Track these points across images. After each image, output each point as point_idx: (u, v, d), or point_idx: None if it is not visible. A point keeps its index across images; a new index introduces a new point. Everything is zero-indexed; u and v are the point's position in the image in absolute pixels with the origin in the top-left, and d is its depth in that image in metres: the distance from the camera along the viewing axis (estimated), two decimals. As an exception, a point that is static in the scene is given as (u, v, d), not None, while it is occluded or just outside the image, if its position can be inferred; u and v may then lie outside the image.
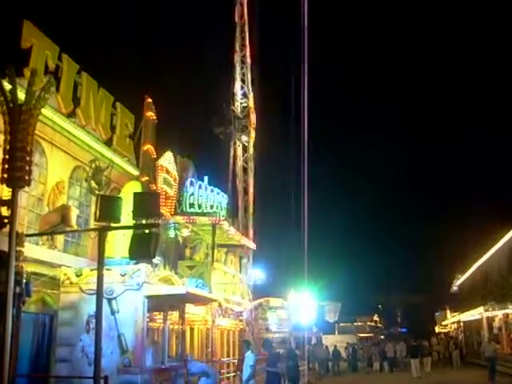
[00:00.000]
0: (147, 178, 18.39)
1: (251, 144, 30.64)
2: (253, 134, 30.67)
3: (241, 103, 30.77)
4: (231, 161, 29.75)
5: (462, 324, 42.78)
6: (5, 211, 8.90)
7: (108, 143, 17.34)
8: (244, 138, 30.59)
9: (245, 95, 30.94)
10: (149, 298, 13.56)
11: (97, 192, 13.53)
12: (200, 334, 18.76)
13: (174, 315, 16.09)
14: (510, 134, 68.62)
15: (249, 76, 31.27)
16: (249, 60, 31.38)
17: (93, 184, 14.13)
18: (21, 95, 9.06)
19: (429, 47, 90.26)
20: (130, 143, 19.06)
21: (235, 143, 30.16)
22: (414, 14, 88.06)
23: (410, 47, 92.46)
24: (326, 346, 34.56)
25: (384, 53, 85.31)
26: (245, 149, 30.76)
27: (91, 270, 13.37)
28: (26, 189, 10.70)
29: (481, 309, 31.43)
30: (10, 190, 8.85)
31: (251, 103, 30.80)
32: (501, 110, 74.91)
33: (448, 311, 49.56)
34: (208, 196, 21.08)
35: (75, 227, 13.31)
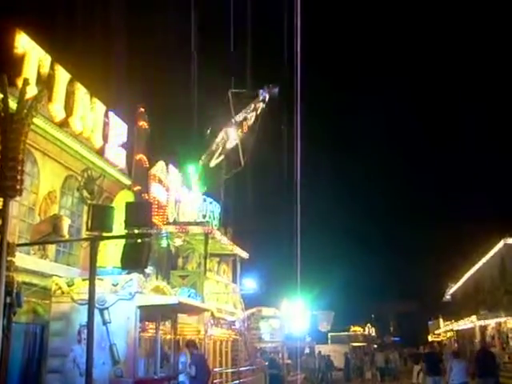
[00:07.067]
0: (139, 188, 18.37)
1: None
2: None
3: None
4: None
5: (454, 333, 42.80)
6: (-4, 221, 8.85)
7: (100, 152, 17.30)
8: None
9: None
10: (141, 308, 13.49)
11: (89, 201, 13.47)
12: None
13: (167, 325, 16.02)
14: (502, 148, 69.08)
15: None
16: None
17: (85, 193, 14.07)
18: (12, 104, 9.02)
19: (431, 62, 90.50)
20: (123, 152, 19.02)
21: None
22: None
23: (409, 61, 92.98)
24: (324, 356, 33.94)
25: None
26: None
27: (83, 280, 13.27)
28: (18, 198, 10.65)
29: (473, 317, 31.48)
30: (1, 199, 8.81)
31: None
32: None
33: (441, 320, 49.56)
34: (200, 205, 21.06)
35: (67, 237, 13.24)
